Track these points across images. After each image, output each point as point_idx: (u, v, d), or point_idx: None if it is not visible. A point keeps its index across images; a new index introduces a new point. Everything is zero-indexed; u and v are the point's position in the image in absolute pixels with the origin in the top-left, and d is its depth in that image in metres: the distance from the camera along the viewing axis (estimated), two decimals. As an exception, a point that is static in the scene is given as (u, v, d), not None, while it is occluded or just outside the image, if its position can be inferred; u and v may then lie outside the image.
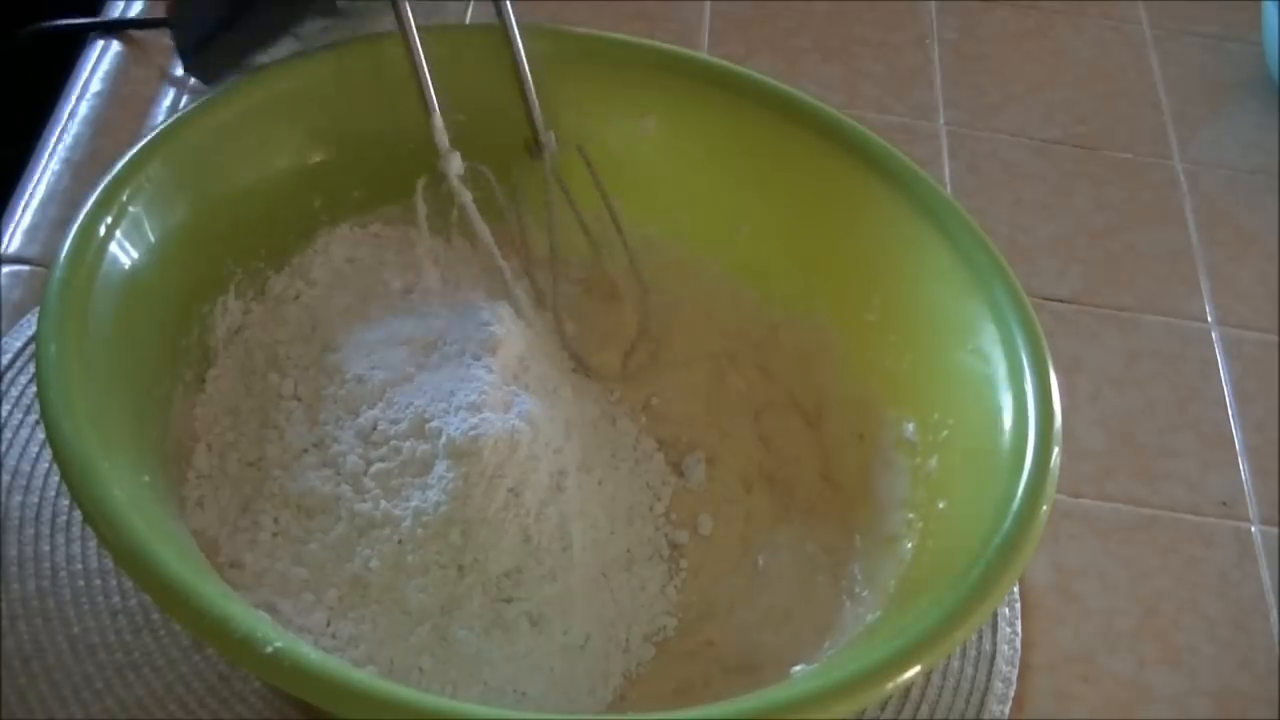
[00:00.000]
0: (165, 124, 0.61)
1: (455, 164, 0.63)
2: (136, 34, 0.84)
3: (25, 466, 0.63)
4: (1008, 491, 0.55)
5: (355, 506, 0.57)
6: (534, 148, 0.66)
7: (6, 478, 0.63)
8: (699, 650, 0.59)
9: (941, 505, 0.59)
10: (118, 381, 0.55)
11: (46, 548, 0.61)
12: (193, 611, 0.48)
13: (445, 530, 0.56)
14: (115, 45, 0.83)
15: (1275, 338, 0.81)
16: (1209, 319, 0.82)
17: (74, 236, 0.56)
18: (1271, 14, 0.93)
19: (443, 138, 0.62)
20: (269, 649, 0.46)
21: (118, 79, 0.82)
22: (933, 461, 0.60)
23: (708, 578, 0.62)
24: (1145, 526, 0.71)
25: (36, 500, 0.62)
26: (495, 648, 0.56)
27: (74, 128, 0.79)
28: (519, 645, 0.57)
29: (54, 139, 0.78)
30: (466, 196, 0.63)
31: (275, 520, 0.58)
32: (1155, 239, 0.86)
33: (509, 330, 0.61)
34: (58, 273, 0.55)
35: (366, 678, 0.49)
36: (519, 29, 0.67)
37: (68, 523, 0.62)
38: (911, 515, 0.60)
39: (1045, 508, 0.54)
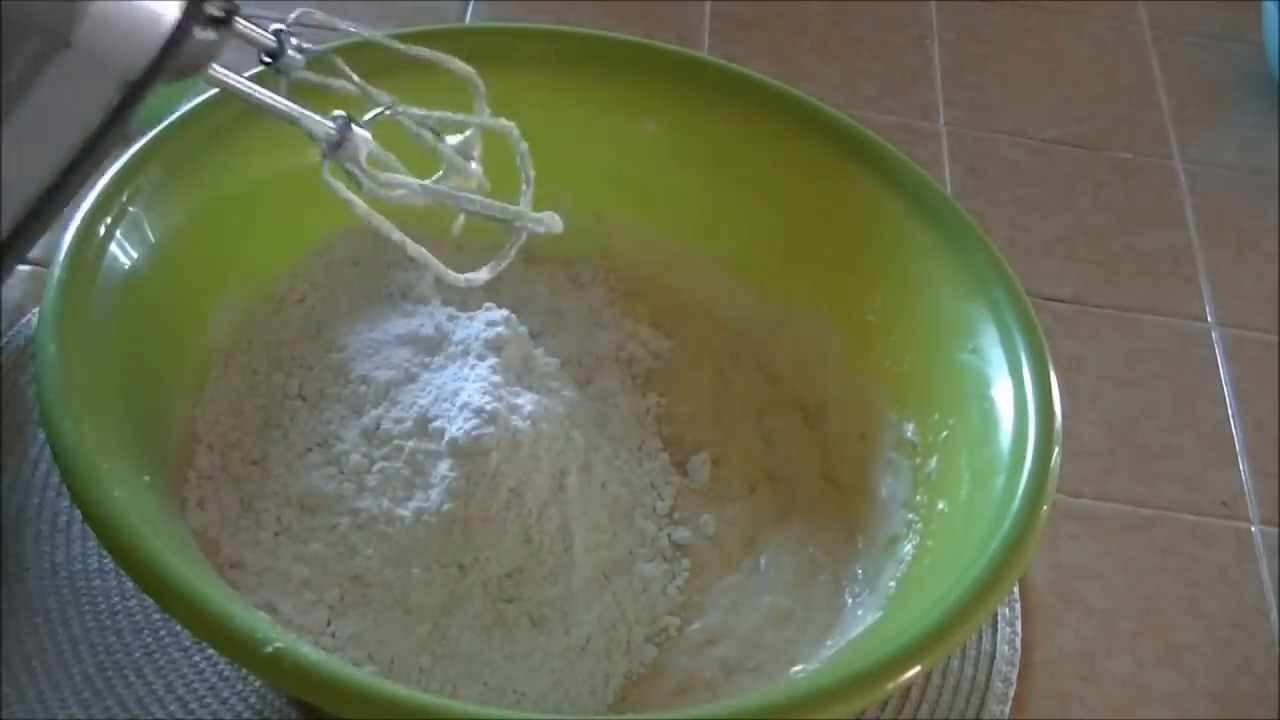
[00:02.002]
0: (165, 124, 0.61)
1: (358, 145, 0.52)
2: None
3: (25, 467, 0.63)
4: (1008, 491, 0.55)
5: (357, 505, 0.57)
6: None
7: (6, 478, 0.63)
8: (700, 650, 0.59)
9: (941, 506, 0.59)
10: (118, 381, 0.55)
11: (46, 548, 0.61)
12: (193, 611, 0.48)
13: (447, 530, 0.56)
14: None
15: (1275, 338, 0.81)
16: (1209, 319, 0.82)
17: (74, 236, 0.56)
18: (1271, 14, 0.93)
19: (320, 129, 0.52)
20: (269, 649, 0.47)
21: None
22: (933, 462, 0.60)
23: (710, 577, 0.62)
24: (1145, 526, 0.71)
25: (36, 501, 0.62)
26: (496, 648, 0.56)
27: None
28: (520, 645, 0.57)
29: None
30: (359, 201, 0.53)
31: (277, 519, 0.58)
32: (1155, 239, 0.86)
33: (513, 330, 0.61)
34: (58, 273, 0.55)
35: (366, 677, 0.49)
36: (522, 29, 0.66)
37: (68, 523, 0.62)
38: (912, 516, 0.60)
39: (1045, 508, 0.54)
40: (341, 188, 0.52)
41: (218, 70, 0.49)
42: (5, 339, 0.68)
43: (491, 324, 0.61)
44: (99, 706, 0.57)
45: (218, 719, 0.57)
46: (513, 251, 0.56)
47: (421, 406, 0.58)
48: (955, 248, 0.63)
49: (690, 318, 0.70)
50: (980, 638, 0.64)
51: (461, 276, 0.55)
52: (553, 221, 0.56)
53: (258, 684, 0.58)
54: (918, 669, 0.50)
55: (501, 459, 0.56)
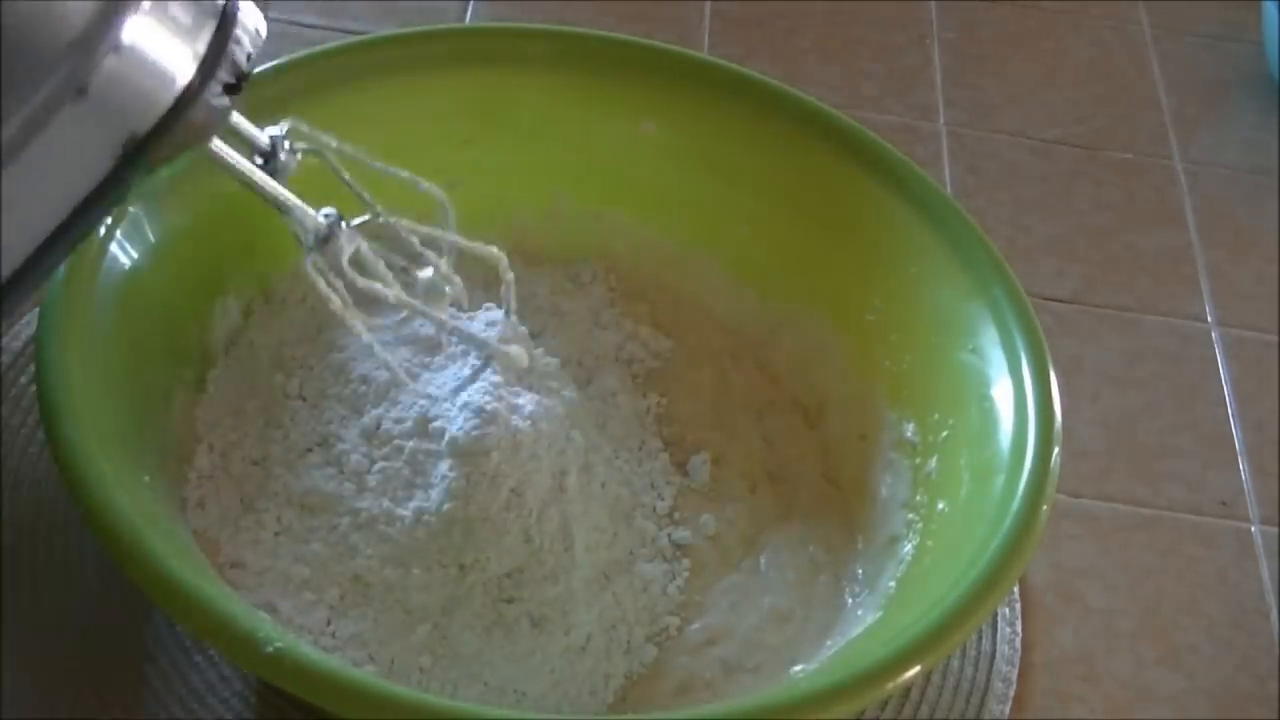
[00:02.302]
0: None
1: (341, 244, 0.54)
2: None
3: (25, 467, 0.63)
4: (1008, 491, 0.55)
5: (358, 505, 0.57)
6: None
7: (7, 479, 0.63)
8: (700, 650, 0.59)
9: (941, 506, 0.59)
10: (118, 381, 0.55)
11: (47, 548, 0.61)
12: (193, 611, 0.48)
13: (447, 530, 0.56)
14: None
15: (1275, 338, 0.81)
16: (1209, 319, 0.82)
17: (74, 236, 0.56)
18: (1271, 14, 0.93)
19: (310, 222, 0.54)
20: (269, 649, 0.47)
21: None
22: (933, 462, 0.60)
23: (710, 577, 0.62)
24: (1145, 526, 0.71)
25: (37, 501, 0.62)
26: (496, 648, 0.56)
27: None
28: (520, 645, 0.57)
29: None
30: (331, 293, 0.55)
31: (278, 519, 0.58)
32: (1155, 239, 0.86)
33: (513, 330, 0.61)
34: (58, 272, 0.55)
35: (366, 677, 0.49)
36: (522, 29, 0.66)
37: (67, 523, 0.62)
38: (912, 516, 0.60)
39: (1045, 508, 0.54)
40: (321, 281, 0.53)
41: (217, 146, 0.50)
42: (5, 339, 0.68)
43: (491, 324, 0.61)
44: (99, 706, 0.57)
45: (218, 719, 0.57)
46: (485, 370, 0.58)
47: (422, 406, 0.58)
48: (955, 248, 0.63)
49: (690, 318, 0.70)
50: (980, 638, 0.64)
51: (421, 378, 0.58)
52: (520, 357, 0.58)
53: (258, 684, 0.58)
54: (918, 669, 0.50)
55: (502, 459, 0.56)
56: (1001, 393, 0.59)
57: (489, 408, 0.57)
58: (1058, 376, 0.59)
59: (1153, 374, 0.79)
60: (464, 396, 0.57)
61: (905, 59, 0.94)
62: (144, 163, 0.42)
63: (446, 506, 0.56)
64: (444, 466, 0.56)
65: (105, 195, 0.42)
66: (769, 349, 0.69)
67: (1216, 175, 0.91)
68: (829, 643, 0.58)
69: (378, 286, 0.55)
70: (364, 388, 0.60)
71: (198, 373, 0.61)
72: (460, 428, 0.56)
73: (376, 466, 0.58)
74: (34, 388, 0.53)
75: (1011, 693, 0.63)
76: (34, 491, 0.63)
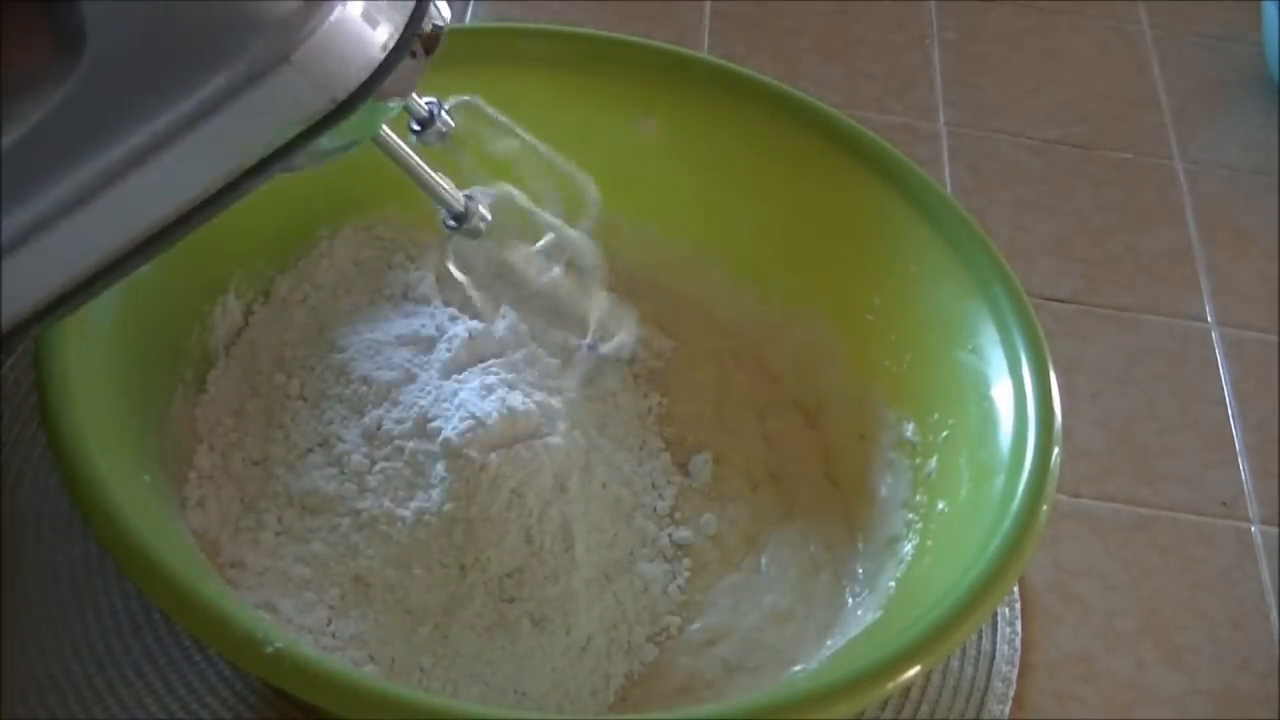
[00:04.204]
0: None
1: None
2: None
3: (26, 468, 0.63)
4: (1008, 491, 0.55)
5: (358, 505, 0.57)
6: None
7: (7, 478, 0.63)
8: (701, 650, 0.59)
9: (941, 506, 0.59)
10: (117, 381, 0.55)
11: (47, 548, 0.61)
12: (193, 611, 0.48)
13: (448, 530, 0.56)
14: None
15: (1275, 338, 0.81)
16: (1209, 319, 0.82)
17: (74, 236, 0.56)
18: (1271, 14, 0.93)
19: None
20: (269, 649, 0.47)
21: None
22: (933, 463, 0.60)
23: (711, 577, 0.62)
24: (1145, 526, 0.71)
25: (36, 501, 0.62)
26: (497, 648, 0.56)
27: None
28: (521, 645, 0.57)
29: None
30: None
31: (278, 519, 0.58)
32: (1155, 239, 0.86)
33: (513, 330, 0.61)
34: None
35: (367, 677, 0.49)
36: (522, 29, 0.66)
37: (68, 523, 0.62)
38: (912, 516, 0.60)
39: (1045, 508, 0.54)
40: (458, 273, 0.58)
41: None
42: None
43: (491, 324, 0.61)
44: (99, 706, 0.57)
45: (218, 719, 0.57)
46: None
47: (422, 407, 0.58)
48: (955, 247, 0.63)
49: (691, 318, 0.70)
50: (980, 638, 0.64)
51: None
52: (590, 251, 0.61)
53: (258, 684, 0.58)
54: (918, 669, 0.50)
55: (502, 459, 0.56)
56: (1001, 392, 0.59)
57: (489, 408, 0.57)
58: (1058, 376, 0.59)
59: (1153, 374, 0.79)
60: (464, 396, 0.57)
61: (905, 59, 0.94)
62: (341, 120, 0.46)
63: (447, 507, 0.56)
64: (443, 467, 0.56)
65: (294, 149, 0.46)
66: (770, 349, 0.69)
67: (1216, 175, 0.91)
68: (829, 643, 0.58)
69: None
70: (365, 388, 0.60)
71: (198, 373, 0.61)
72: (455, 428, 0.56)
73: (377, 467, 0.58)
74: (34, 389, 0.53)
75: (1011, 693, 0.63)
76: (34, 491, 0.63)
